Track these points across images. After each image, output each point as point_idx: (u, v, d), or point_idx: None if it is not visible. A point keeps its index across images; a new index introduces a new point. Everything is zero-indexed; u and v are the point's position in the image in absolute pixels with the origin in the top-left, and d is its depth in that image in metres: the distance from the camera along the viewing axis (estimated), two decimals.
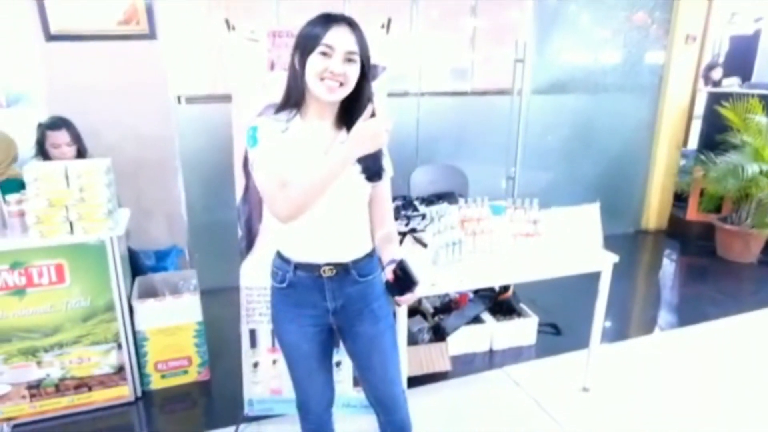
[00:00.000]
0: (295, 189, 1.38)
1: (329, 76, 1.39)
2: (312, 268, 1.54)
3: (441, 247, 2.31)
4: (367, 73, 1.46)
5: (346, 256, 1.55)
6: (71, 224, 2.31)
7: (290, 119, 1.48)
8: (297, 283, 1.56)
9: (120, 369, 2.58)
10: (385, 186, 1.59)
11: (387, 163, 1.56)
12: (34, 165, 2.32)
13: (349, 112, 1.49)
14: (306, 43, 1.41)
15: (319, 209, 1.46)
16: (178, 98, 3.52)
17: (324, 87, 1.40)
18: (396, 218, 2.40)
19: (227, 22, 2.22)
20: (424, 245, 2.21)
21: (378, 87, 2.28)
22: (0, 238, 2.30)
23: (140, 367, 2.65)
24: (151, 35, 3.15)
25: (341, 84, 1.41)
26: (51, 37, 2.96)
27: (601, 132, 4.86)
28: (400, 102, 4.05)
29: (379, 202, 1.59)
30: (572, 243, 2.49)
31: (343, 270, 1.55)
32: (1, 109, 3.22)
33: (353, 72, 1.42)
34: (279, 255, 1.60)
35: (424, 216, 2.34)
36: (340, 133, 1.51)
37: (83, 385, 2.54)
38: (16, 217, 2.28)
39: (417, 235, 2.21)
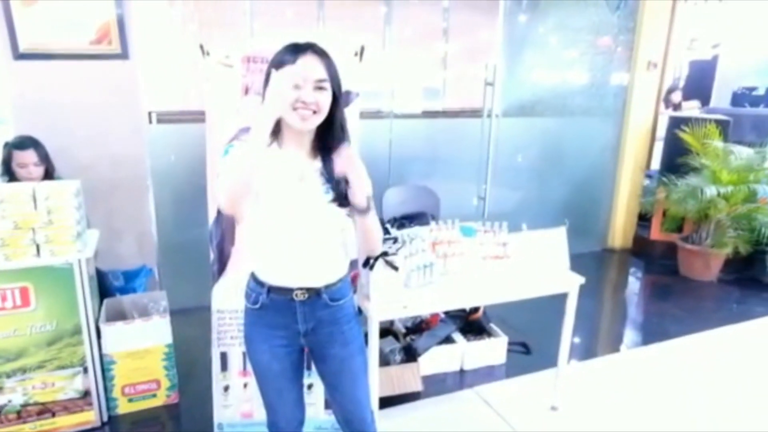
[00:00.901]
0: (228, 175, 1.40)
1: (301, 105, 1.43)
2: (285, 292, 1.57)
3: (413, 270, 2.34)
4: (339, 99, 1.50)
5: (319, 281, 1.58)
6: (38, 247, 2.27)
7: (267, 147, 1.51)
8: (270, 305, 1.59)
9: (85, 394, 2.52)
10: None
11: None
12: (0, 186, 2.28)
13: (324, 139, 1.53)
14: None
15: (293, 235, 1.50)
16: (150, 115, 3.49)
17: (297, 116, 1.44)
18: None
19: (202, 47, 2.23)
20: (396, 268, 2.24)
21: (351, 112, 2.32)
22: None
23: (107, 391, 2.60)
24: (124, 55, 3.13)
25: (314, 112, 1.45)
26: (20, 56, 2.92)
27: (568, 153, 5.00)
28: (373, 123, 4.10)
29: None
30: (540, 265, 2.55)
31: (315, 294, 1.58)
32: None
33: (325, 99, 1.46)
34: (253, 277, 1.62)
35: (395, 239, 2.38)
36: (315, 161, 1.54)
37: (47, 411, 2.48)
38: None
39: (389, 258, 2.24)
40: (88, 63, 3.10)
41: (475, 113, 4.41)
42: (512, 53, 4.52)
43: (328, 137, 1.52)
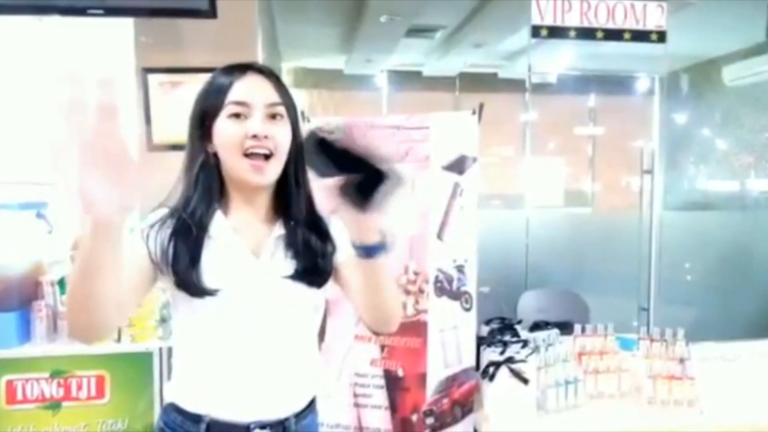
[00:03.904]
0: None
1: (253, 144, 0.98)
2: (235, 430, 1.03)
3: (550, 386, 1.76)
4: (298, 137, 1.04)
5: (286, 409, 1.05)
6: (119, 330, 2.09)
7: (208, 214, 1.04)
8: None
9: None
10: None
11: (340, 238, 1.07)
12: None
13: (284, 195, 1.07)
14: (206, 106, 1.03)
15: (250, 338, 1.01)
16: None
17: (247, 165, 0.99)
18: (489, 344, 1.90)
19: (302, 113, 2.06)
20: (525, 381, 1.68)
21: (468, 184, 1.95)
22: (47, 342, 2.11)
23: None
24: None
25: (269, 155, 1.00)
26: (153, 147, 3.01)
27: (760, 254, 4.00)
28: (506, 214, 3.62)
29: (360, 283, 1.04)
30: (740, 395, 1.79)
31: (281, 430, 1.05)
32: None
33: (282, 135, 1.01)
34: (178, 410, 1.06)
35: (525, 343, 1.82)
36: (274, 227, 1.07)
37: None
38: (67, 320, 2.11)
39: (515, 366, 1.69)
40: None
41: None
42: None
43: (288, 191, 1.06)
